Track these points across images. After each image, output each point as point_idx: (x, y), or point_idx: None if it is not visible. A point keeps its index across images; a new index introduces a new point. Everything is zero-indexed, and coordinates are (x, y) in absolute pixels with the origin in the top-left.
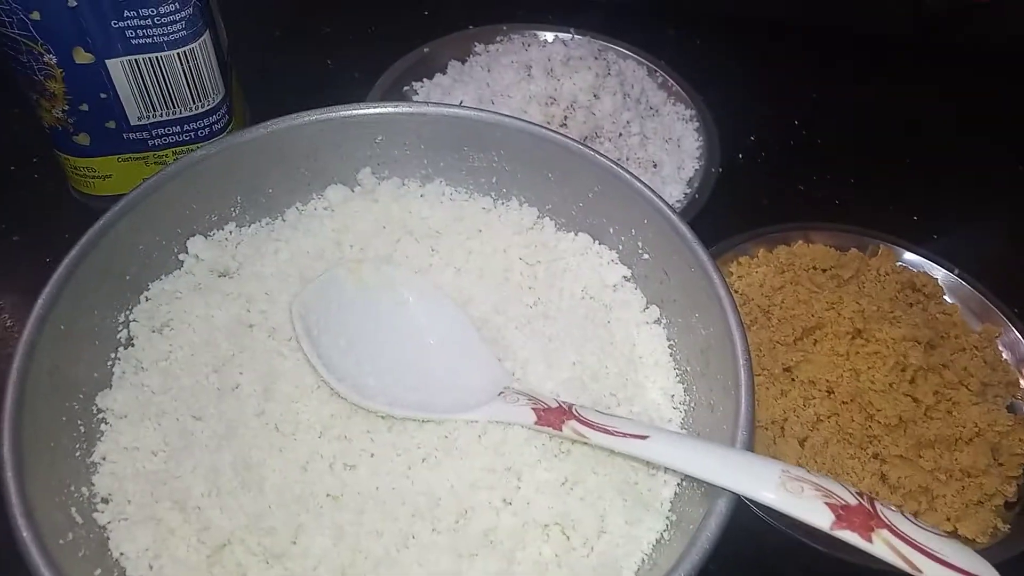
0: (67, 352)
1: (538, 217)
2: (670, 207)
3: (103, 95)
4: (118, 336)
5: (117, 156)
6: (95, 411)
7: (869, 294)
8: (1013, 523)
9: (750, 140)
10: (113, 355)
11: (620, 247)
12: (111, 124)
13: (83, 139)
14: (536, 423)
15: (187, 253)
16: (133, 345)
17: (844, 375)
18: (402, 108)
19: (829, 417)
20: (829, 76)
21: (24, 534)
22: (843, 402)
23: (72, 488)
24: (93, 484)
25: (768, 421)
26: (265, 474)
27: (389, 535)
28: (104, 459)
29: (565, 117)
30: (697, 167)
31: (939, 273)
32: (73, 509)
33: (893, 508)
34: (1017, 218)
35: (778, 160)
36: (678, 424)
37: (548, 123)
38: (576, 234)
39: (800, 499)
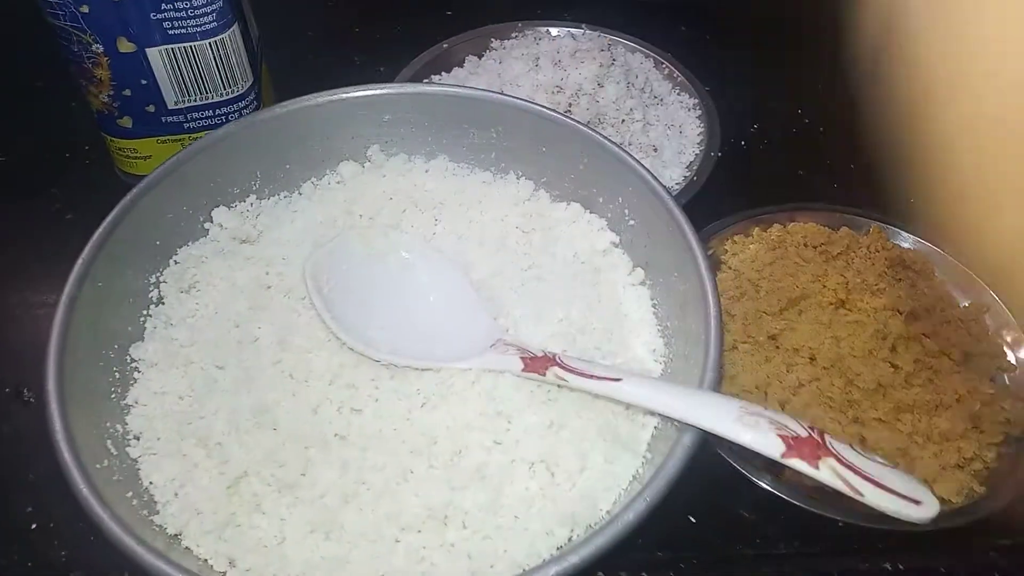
0: (105, 308)
1: (534, 189)
2: (651, 173)
3: (143, 81)
4: (150, 295)
5: (156, 138)
6: (129, 360)
7: (857, 269)
8: (989, 486)
9: (753, 128)
10: (145, 312)
11: (609, 215)
12: (151, 108)
13: (126, 122)
14: (523, 370)
15: (212, 222)
16: (163, 303)
17: (826, 342)
18: (407, 88)
19: (811, 382)
20: (837, 71)
21: (65, 456)
22: (824, 368)
23: (108, 425)
24: (127, 423)
25: (752, 386)
26: (279, 415)
27: (390, 469)
28: (136, 402)
29: (570, 104)
30: (698, 152)
31: (932, 252)
32: (109, 442)
33: (842, 441)
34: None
35: (779, 147)
36: (658, 375)
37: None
38: (568, 204)
39: (755, 431)
